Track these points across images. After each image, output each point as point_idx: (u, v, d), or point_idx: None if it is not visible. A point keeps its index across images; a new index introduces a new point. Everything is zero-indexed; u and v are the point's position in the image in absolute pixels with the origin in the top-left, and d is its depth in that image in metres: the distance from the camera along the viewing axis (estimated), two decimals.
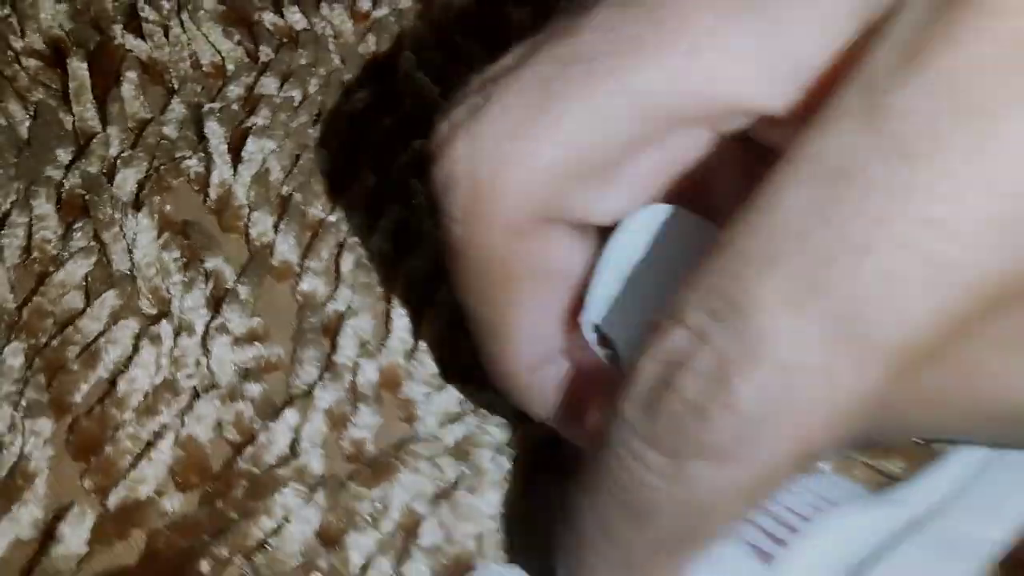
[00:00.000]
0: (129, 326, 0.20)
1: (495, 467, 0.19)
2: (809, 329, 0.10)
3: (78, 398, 0.19)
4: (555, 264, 0.15)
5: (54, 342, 0.20)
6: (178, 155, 0.24)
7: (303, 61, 0.27)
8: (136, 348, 0.20)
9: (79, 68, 0.25)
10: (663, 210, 0.15)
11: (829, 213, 0.10)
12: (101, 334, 0.20)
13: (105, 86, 0.25)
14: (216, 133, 0.23)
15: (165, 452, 0.18)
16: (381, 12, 0.28)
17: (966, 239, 0.10)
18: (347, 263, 0.22)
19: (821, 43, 0.12)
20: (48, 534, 0.17)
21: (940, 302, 0.10)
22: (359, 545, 0.17)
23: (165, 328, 0.20)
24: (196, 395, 0.19)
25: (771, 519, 0.15)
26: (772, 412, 0.11)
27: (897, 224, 0.10)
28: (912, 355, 0.11)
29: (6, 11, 0.27)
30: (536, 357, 0.15)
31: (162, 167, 0.23)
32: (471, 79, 0.14)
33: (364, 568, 0.17)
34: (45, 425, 0.19)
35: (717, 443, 0.11)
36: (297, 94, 0.26)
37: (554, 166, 0.13)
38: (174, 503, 0.18)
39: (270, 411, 0.19)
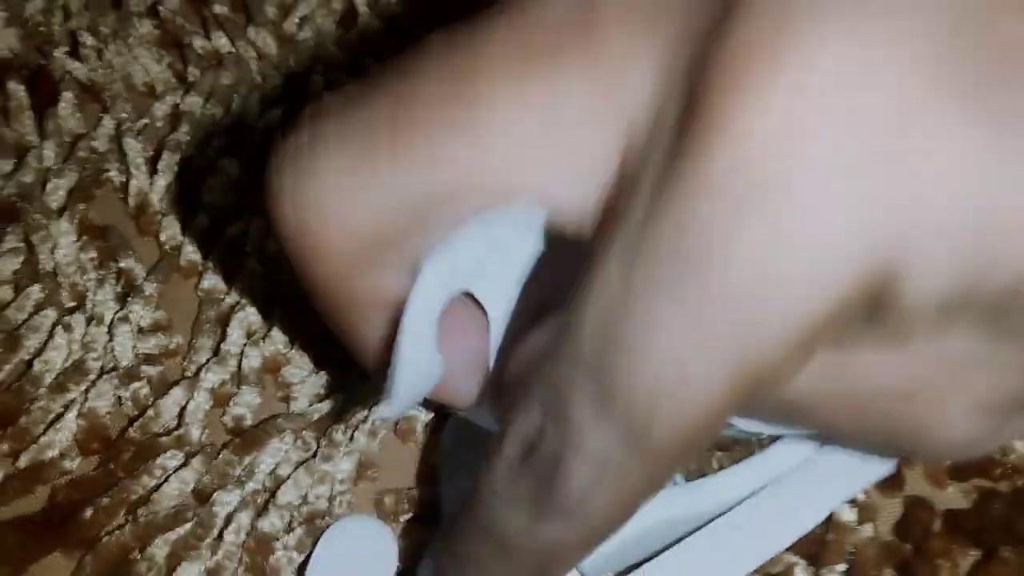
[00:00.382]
0: (49, 316, 0.24)
1: (347, 440, 0.22)
2: (609, 432, 0.12)
3: (3, 375, 0.23)
4: (389, 294, 0.15)
5: None
6: (105, 167, 0.27)
7: (226, 81, 0.30)
8: (52, 335, 0.23)
9: (17, 89, 0.28)
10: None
11: (611, 331, 0.12)
12: (24, 322, 0.23)
13: (44, 104, 0.29)
14: (133, 148, 0.27)
15: (71, 422, 0.22)
16: (304, 35, 0.32)
17: (698, 364, 0.12)
18: (247, 263, 0.25)
19: (602, 157, 0.13)
20: None
21: (690, 415, 0.12)
22: (224, 501, 0.21)
23: (78, 318, 0.23)
24: (101, 375, 0.23)
25: None
26: (593, 490, 0.13)
27: (651, 356, 0.12)
28: (685, 445, 0.13)
29: None
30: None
31: (87, 177, 0.26)
32: (307, 108, 0.15)
33: (227, 519, 0.21)
34: None
35: (558, 508, 0.13)
36: (219, 111, 0.29)
37: (373, 225, 0.14)
38: (74, 464, 0.21)
39: (163, 390, 0.23)
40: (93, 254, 0.25)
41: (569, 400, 0.13)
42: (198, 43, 0.31)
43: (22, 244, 0.25)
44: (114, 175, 0.27)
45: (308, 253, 0.14)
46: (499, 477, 0.14)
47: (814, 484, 0.20)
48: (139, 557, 0.20)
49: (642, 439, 0.12)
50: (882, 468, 0.20)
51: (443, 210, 0.14)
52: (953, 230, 0.11)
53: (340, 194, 0.14)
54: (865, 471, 0.20)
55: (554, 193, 0.13)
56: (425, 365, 0.16)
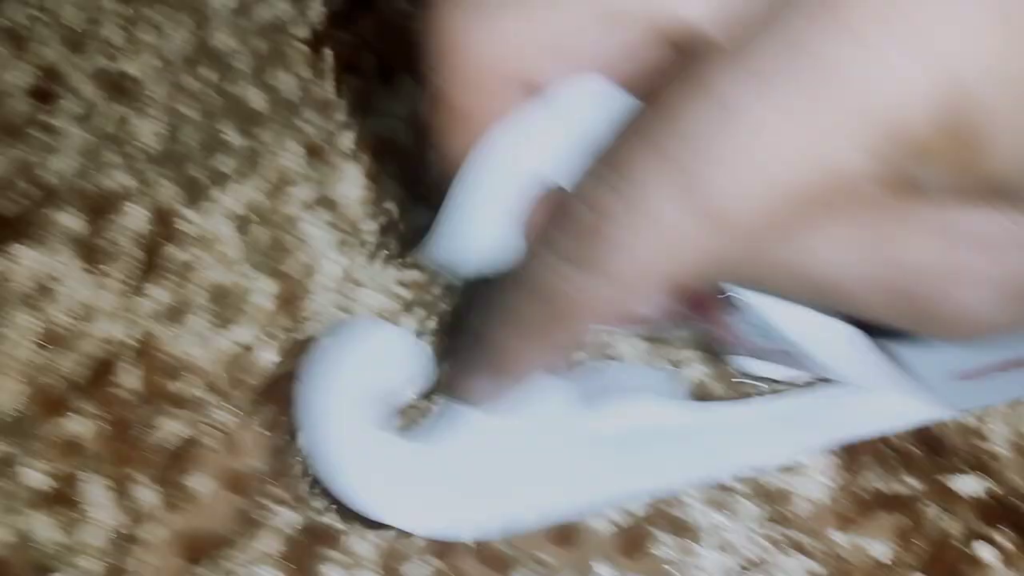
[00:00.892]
0: (332, 236, 0.30)
1: None
2: (674, 197, 0.14)
3: (287, 268, 0.30)
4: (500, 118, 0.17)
5: (288, 236, 0.30)
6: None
7: None
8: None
9: (329, 56, 0.35)
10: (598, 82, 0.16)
11: (703, 129, 0.14)
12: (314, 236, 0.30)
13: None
14: None
15: None
16: None
17: (783, 159, 0.14)
18: None
19: None
20: None
21: (763, 200, 0.14)
22: None
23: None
24: None
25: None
26: (637, 246, 0.15)
27: (742, 145, 0.14)
28: (745, 230, 0.15)
29: (291, 8, 0.38)
30: None
31: (376, 133, 0.33)
32: None
33: None
34: (269, 286, 0.29)
35: (598, 259, 0.16)
36: None
37: (520, 46, 0.16)
38: None
39: None
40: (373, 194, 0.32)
41: (640, 170, 0.15)
42: None
43: (320, 173, 0.32)
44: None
45: (459, 71, 0.16)
46: (559, 235, 0.16)
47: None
48: None
49: (720, 214, 0.14)
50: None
51: (564, 45, 0.16)
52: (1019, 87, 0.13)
53: (496, 24, 0.16)
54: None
55: (697, 21, 0.15)
56: (485, 224, 0.17)
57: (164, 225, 0.30)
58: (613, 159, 0.16)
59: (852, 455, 0.26)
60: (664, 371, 0.24)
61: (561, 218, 0.16)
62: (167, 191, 0.31)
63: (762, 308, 0.19)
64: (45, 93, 0.34)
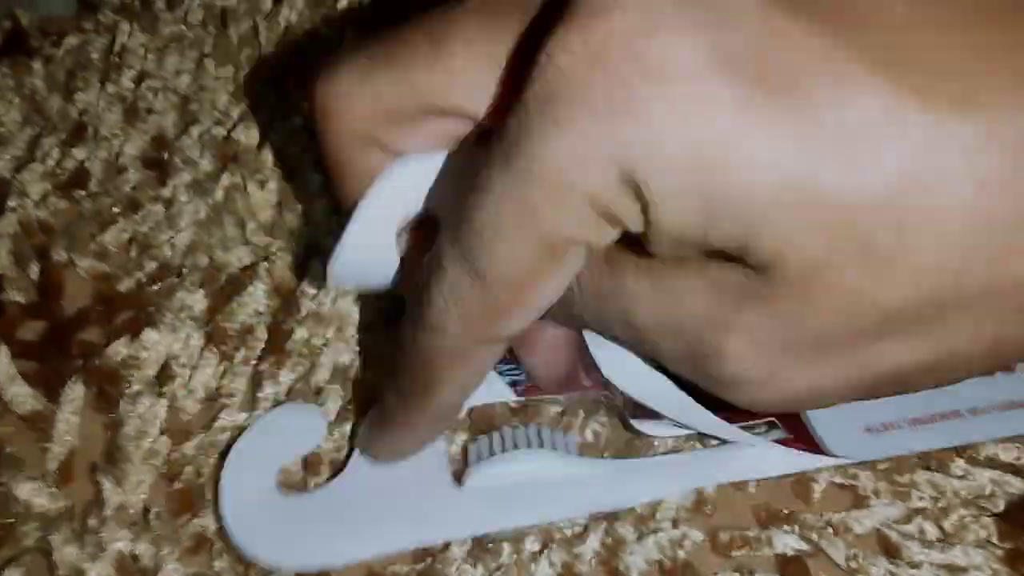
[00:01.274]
0: None
1: None
2: (459, 268, 0.18)
3: None
4: (372, 167, 0.21)
5: None
6: None
7: None
8: None
9: None
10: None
11: (465, 214, 0.18)
12: None
13: None
14: None
15: None
16: None
17: (515, 231, 0.17)
18: None
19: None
20: None
21: (514, 263, 0.17)
22: None
23: None
24: None
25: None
26: (447, 309, 0.19)
27: (487, 222, 0.17)
28: (510, 287, 0.18)
29: None
30: None
31: None
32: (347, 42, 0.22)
33: None
34: None
35: (428, 323, 0.19)
36: None
37: (368, 116, 0.20)
38: None
39: None
40: None
41: (442, 252, 0.18)
42: None
43: None
44: None
45: (326, 130, 0.21)
46: (410, 303, 0.20)
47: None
48: None
49: (476, 272, 0.18)
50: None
51: (415, 118, 0.20)
52: (684, 168, 0.16)
53: (349, 90, 0.20)
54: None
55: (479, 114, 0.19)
56: (372, 250, 0.21)
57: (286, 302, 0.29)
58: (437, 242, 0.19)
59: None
60: (557, 432, 0.26)
61: (412, 288, 0.20)
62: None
63: (604, 366, 0.23)
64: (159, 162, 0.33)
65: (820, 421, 0.25)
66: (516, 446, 0.25)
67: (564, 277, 0.18)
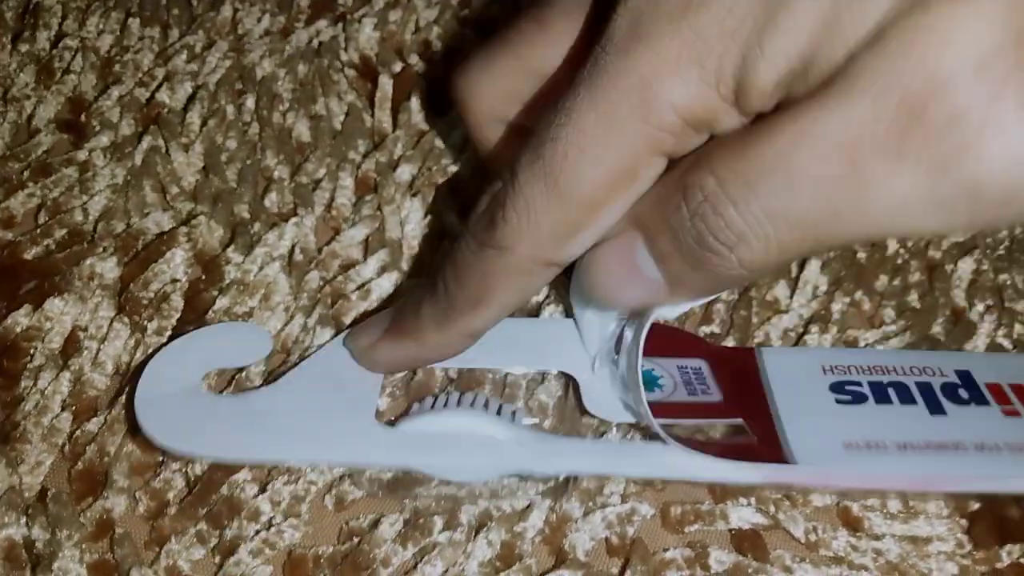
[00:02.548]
0: (392, 278, 0.27)
1: None
2: (541, 190, 0.19)
3: (348, 319, 0.27)
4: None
5: (339, 278, 0.27)
6: (443, 161, 0.31)
7: None
8: (393, 294, 0.27)
9: (386, 83, 0.33)
10: None
11: (549, 134, 0.19)
12: (371, 280, 0.27)
13: (398, 100, 0.33)
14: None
15: None
16: None
17: (595, 155, 0.18)
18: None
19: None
20: None
21: (591, 183, 0.18)
22: None
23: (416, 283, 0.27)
24: None
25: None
26: (518, 229, 0.19)
27: (572, 143, 0.18)
28: (587, 206, 0.19)
29: (336, 31, 0.36)
30: None
31: (433, 168, 0.30)
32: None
33: None
34: (326, 334, 0.26)
35: (494, 236, 0.20)
36: None
37: (495, 96, 0.23)
38: None
39: None
40: (433, 232, 0.29)
41: (520, 169, 0.19)
42: None
43: (376, 213, 0.29)
44: (452, 169, 0.31)
45: (465, 116, 0.24)
46: (471, 220, 0.21)
47: None
48: None
49: (555, 188, 0.19)
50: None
51: (531, 92, 0.22)
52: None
53: (476, 80, 0.23)
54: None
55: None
56: None
57: (208, 271, 0.27)
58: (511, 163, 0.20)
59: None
60: (506, 403, 0.25)
61: (476, 205, 0.21)
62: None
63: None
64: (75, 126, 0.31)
65: (795, 427, 0.23)
66: (459, 406, 0.23)
67: (630, 200, 0.19)
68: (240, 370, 0.24)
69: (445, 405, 0.23)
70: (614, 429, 0.25)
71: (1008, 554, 0.24)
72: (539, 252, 0.20)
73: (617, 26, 0.17)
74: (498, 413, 0.24)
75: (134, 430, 0.22)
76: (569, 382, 0.25)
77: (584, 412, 0.24)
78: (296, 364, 0.24)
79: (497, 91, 0.23)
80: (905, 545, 0.23)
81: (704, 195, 0.17)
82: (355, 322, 0.26)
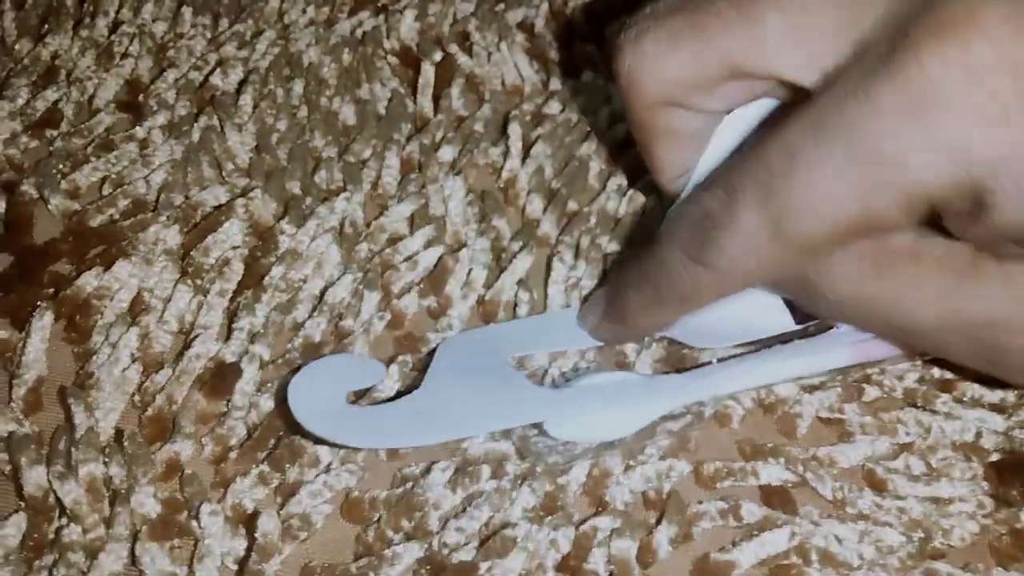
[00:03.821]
0: (437, 251, 0.29)
1: None
2: (761, 219, 0.19)
3: (397, 288, 0.28)
4: (677, 127, 0.24)
5: (387, 251, 0.29)
6: (483, 144, 0.32)
7: (582, 94, 0.35)
8: (437, 266, 0.28)
9: (428, 71, 0.34)
10: (764, 104, 0.23)
11: (777, 165, 0.19)
12: (418, 252, 0.29)
13: (439, 87, 0.34)
14: (516, 134, 0.32)
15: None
16: None
17: (831, 199, 0.19)
18: (585, 243, 0.30)
19: (831, 48, 0.19)
20: None
21: (812, 226, 0.19)
22: None
23: (464, 255, 0.28)
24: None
25: None
26: (732, 257, 0.20)
27: (802, 182, 0.19)
28: (801, 247, 0.20)
29: (378, 21, 0.37)
30: (674, 173, 0.25)
31: (474, 150, 0.32)
32: (644, 8, 0.23)
33: None
34: (374, 298, 0.27)
35: (711, 260, 0.21)
36: (573, 118, 0.34)
37: (674, 81, 0.22)
38: None
39: None
40: (475, 210, 0.30)
41: (740, 189, 0.20)
42: (559, 57, 0.37)
43: (422, 191, 0.30)
44: (492, 151, 0.32)
45: (632, 95, 0.23)
46: (681, 227, 0.21)
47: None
48: None
49: (778, 230, 0.19)
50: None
51: (719, 81, 0.22)
52: None
53: (655, 58, 0.22)
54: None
55: (796, 77, 0.20)
56: None
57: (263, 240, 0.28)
58: (724, 176, 0.21)
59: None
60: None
61: (684, 213, 0.22)
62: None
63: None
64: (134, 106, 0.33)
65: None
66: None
67: (852, 256, 0.20)
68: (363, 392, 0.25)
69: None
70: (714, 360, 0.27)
71: None
72: (749, 276, 0.21)
73: (886, 95, 0.17)
74: None
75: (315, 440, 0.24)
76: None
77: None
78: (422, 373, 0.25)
79: (679, 77, 0.22)
80: (928, 505, 0.25)
81: None
82: (403, 291, 0.28)
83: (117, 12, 0.36)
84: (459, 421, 0.23)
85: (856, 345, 0.25)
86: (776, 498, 0.25)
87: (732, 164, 0.21)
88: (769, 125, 0.21)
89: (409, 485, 0.23)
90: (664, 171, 0.25)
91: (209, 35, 0.35)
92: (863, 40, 0.19)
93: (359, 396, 0.25)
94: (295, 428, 0.23)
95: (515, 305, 0.28)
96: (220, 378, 0.24)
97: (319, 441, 0.23)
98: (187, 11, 0.36)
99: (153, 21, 0.35)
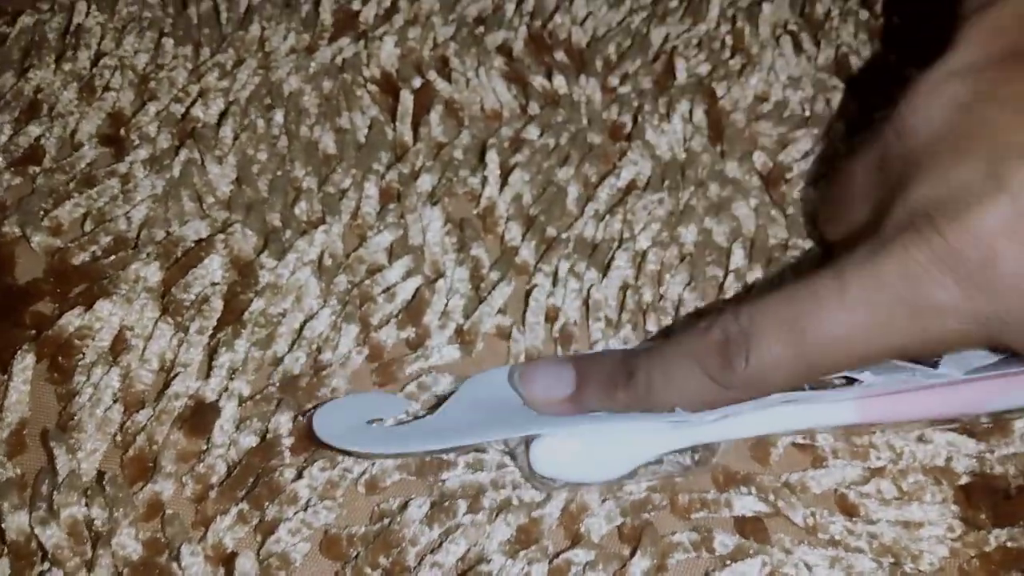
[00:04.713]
0: (415, 282, 0.29)
1: None
2: (782, 339, 0.22)
3: (375, 320, 0.28)
4: None
5: (366, 282, 0.29)
6: (462, 172, 0.33)
7: (559, 119, 0.35)
8: (415, 296, 0.29)
9: (407, 98, 0.35)
10: None
11: (807, 306, 0.22)
12: (396, 284, 0.29)
13: (419, 114, 0.35)
14: (494, 161, 0.32)
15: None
16: (624, 89, 0.37)
17: (862, 334, 0.22)
18: (563, 269, 0.30)
19: None
20: None
21: (841, 357, 0.22)
22: None
23: (442, 285, 0.29)
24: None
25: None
26: (754, 382, 0.22)
27: (831, 320, 0.22)
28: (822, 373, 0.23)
29: (358, 47, 0.38)
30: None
31: (453, 179, 0.32)
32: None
33: None
34: (352, 331, 0.28)
35: (736, 382, 0.23)
36: (551, 142, 0.35)
37: None
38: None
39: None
40: (453, 239, 0.31)
41: (767, 327, 0.22)
42: (538, 82, 0.37)
43: (400, 220, 0.31)
44: (471, 180, 0.33)
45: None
46: (697, 344, 0.23)
47: None
48: None
49: (808, 360, 0.22)
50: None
51: None
52: None
53: None
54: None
55: None
56: None
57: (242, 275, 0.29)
58: (744, 307, 0.23)
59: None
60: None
61: (706, 332, 0.23)
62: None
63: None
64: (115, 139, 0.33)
65: None
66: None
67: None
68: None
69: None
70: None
71: (996, 538, 0.25)
72: (761, 396, 0.23)
73: (937, 247, 0.20)
74: None
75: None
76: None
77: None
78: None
79: None
80: (899, 529, 0.25)
81: None
82: (382, 323, 0.28)
83: (99, 44, 0.36)
84: (468, 431, 0.24)
85: (859, 401, 0.25)
86: (749, 527, 0.25)
87: (750, 301, 0.23)
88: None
89: (387, 521, 0.24)
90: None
91: (191, 66, 0.36)
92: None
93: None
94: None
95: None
96: (200, 416, 0.25)
97: (299, 477, 0.24)
98: (168, 42, 0.36)
99: (135, 53, 0.36)
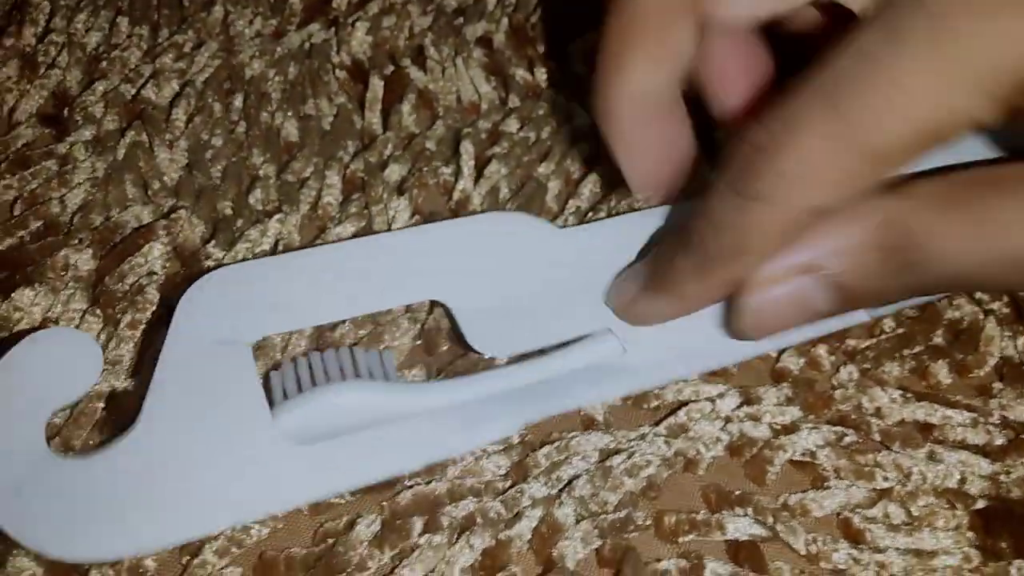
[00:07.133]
0: None
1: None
2: (823, 133, 0.18)
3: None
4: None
5: None
6: (434, 163, 0.30)
7: (540, 112, 0.33)
8: None
9: (377, 85, 0.32)
10: None
11: (852, 78, 0.17)
12: None
13: (389, 102, 0.32)
14: (468, 152, 0.30)
15: None
16: None
17: (919, 102, 0.17)
18: None
19: None
20: None
21: (901, 136, 0.17)
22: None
23: None
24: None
25: None
26: (792, 180, 0.18)
27: (884, 91, 0.17)
28: (884, 160, 0.18)
29: (329, 34, 0.35)
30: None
31: (424, 169, 0.30)
32: None
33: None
34: (305, 330, 0.25)
35: (756, 186, 0.19)
36: (532, 136, 0.32)
37: None
38: None
39: None
40: None
41: (801, 112, 0.18)
42: (520, 74, 0.34)
43: (364, 211, 0.28)
44: (445, 172, 0.30)
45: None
46: (727, 164, 0.19)
47: None
48: None
49: (856, 138, 0.18)
50: None
51: None
52: None
53: None
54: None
55: None
56: None
57: (188, 266, 0.26)
58: (771, 108, 0.19)
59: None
60: (373, 352, 0.23)
61: (730, 155, 0.19)
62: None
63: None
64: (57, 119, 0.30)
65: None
66: (327, 376, 0.21)
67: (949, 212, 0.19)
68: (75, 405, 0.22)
69: (312, 380, 0.21)
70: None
71: (1018, 569, 0.22)
72: (813, 203, 0.18)
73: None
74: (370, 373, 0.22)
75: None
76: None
77: (468, 349, 0.22)
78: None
79: None
80: (910, 558, 0.22)
81: None
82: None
83: (48, 21, 0.33)
84: (183, 501, 0.18)
85: None
86: (744, 553, 0.22)
87: (775, 99, 0.19)
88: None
89: (331, 542, 0.21)
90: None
91: (146, 46, 0.33)
92: None
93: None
94: None
95: None
96: (123, 418, 0.22)
97: None
98: (123, 21, 0.34)
99: (86, 31, 0.33)
